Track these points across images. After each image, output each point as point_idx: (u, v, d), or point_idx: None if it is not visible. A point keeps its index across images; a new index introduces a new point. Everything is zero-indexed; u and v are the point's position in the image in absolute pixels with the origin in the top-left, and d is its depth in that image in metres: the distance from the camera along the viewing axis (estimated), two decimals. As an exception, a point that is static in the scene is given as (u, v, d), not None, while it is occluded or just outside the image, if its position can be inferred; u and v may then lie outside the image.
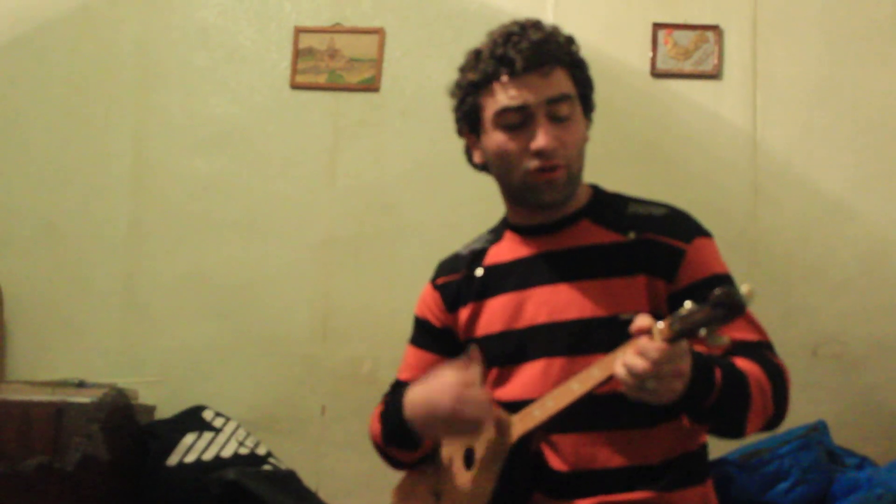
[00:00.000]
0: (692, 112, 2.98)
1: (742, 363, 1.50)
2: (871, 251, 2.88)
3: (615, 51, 2.94)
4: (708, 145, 2.97)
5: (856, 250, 2.89)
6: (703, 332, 1.28)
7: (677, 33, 2.99)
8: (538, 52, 1.60)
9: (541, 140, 1.59)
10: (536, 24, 1.65)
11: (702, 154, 2.97)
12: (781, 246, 2.91)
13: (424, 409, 1.58)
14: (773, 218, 2.92)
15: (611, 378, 1.41)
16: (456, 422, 1.52)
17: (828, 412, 2.63)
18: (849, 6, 2.97)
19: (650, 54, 2.99)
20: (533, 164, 1.61)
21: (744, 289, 1.27)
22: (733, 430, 1.51)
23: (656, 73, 2.99)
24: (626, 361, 1.35)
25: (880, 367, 2.80)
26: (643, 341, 1.34)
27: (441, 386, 1.55)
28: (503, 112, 1.62)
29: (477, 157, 1.73)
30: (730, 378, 1.44)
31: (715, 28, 2.98)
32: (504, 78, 1.61)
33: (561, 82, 1.62)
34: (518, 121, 1.61)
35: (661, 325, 1.33)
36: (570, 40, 1.67)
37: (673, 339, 1.32)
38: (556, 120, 1.61)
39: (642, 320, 1.36)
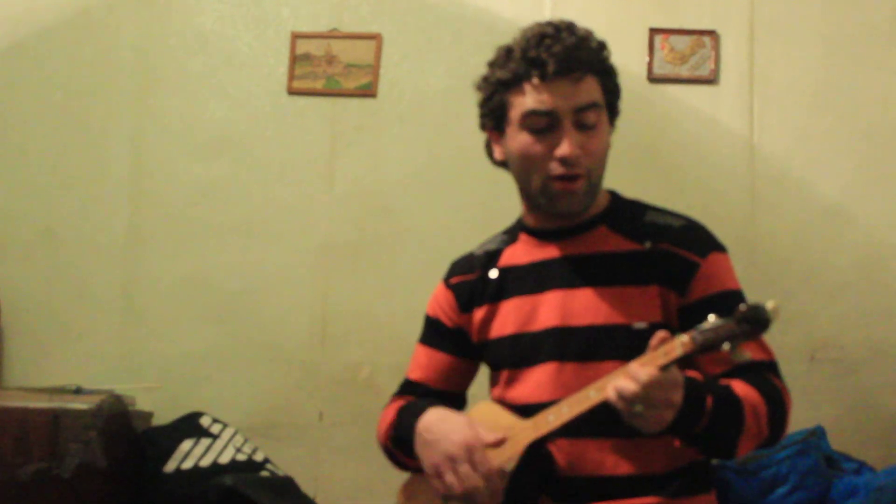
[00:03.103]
0: (689, 117, 2.98)
1: (739, 388, 1.51)
2: (869, 255, 2.89)
3: (612, 56, 2.94)
4: (705, 150, 2.98)
5: (853, 255, 2.89)
6: (726, 346, 1.29)
7: (674, 38, 2.99)
8: (570, 58, 1.60)
9: (566, 148, 1.59)
10: (570, 28, 1.64)
11: (699, 159, 2.98)
12: (779, 250, 2.91)
13: (431, 437, 1.60)
14: (770, 222, 2.93)
15: None
16: (448, 468, 1.55)
17: (825, 417, 2.63)
18: (846, 11, 2.97)
19: (647, 59, 3.00)
20: (556, 170, 1.61)
21: (769, 305, 1.27)
22: (724, 453, 1.54)
23: (653, 78, 3.00)
24: (616, 384, 1.36)
25: (878, 371, 2.80)
26: (634, 366, 1.35)
27: (459, 425, 1.58)
28: (530, 114, 1.62)
29: (498, 154, 1.73)
30: (722, 406, 1.46)
31: (711, 33, 2.99)
32: (535, 80, 1.61)
33: (591, 90, 1.63)
34: (544, 125, 1.61)
35: (684, 337, 1.33)
36: (601, 46, 1.68)
37: (667, 365, 1.34)
38: (582, 127, 1.61)
39: (662, 333, 1.37)
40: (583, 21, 2.99)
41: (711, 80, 2.97)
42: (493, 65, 1.69)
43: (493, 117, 1.69)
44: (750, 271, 2.84)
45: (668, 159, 2.98)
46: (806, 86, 2.96)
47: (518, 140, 1.64)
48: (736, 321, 1.28)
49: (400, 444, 1.72)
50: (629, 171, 2.87)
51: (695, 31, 2.99)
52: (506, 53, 1.66)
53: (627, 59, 2.99)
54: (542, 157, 1.62)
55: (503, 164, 1.73)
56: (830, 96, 2.95)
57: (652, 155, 2.98)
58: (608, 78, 1.68)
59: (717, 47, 2.98)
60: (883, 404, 2.79)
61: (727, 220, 2.88)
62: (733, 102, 2.97)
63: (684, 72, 2.98)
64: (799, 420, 2.41)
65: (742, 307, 1.28)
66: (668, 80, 2.99)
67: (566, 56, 1.59)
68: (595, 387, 1.45)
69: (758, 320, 1.27)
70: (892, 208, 2.90)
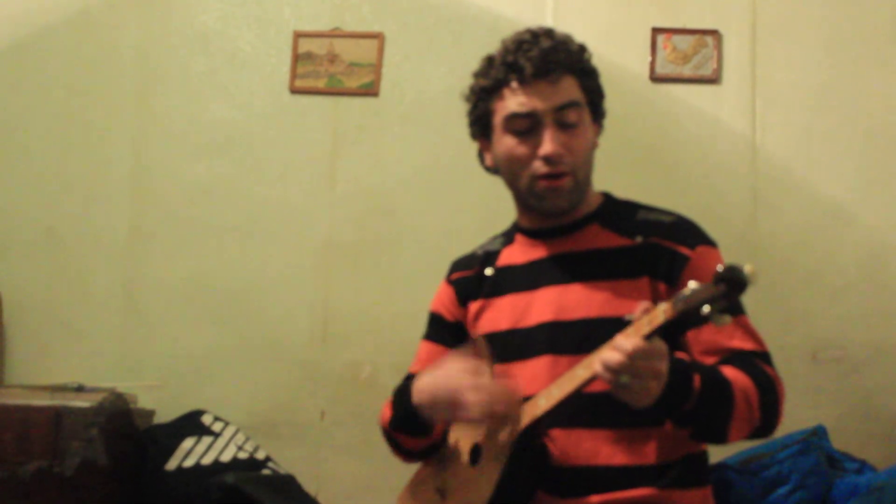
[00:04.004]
0: (691, 117, 2.98)
1: (729, 371, 1.53)
2: (871, 256, 2.89)
3: (614, 55, 2.95)
4: (707, 150, 2.98)
5: (855, 255, 2.89)
6: (706, 309, 1.30)
7: (676, 38, 2.99)
8: (547, 60, 1.65)
9: (547, 146, 1.64)
10: (548, 33, 1.70)
11: (701, 159, 2.98)
12: (781, 251, 2.91)
13: (432, 395, 1.62)
14: (772, 223, 2.93)
15: None
16: (463, 406, 1.55)
17: (827, 417, 2.63)
18: (848, 11, 2.97)
19: (649, 59, 3.00)
20: (540, 169, 1.66)
21: (747, 268, 1.29)
22: (715, 436, 1.55)
23: (655, 78, 3.00)
24: (601, 355, 1.38)
25: (880, 371, 2.80)
26: (619, 338, 1.38)
27: (449, 371, 1.60)
28: (512, 118, 1.67)
29: (488, 161, 1.79)
30: (710, 385, 1.48)
31: (714, 32, 2.99)
32: (514, 84, 1.67)
33: (569, 90, 1.67)
34: (526, 126, 1.66)
35: (665, 305, 1.36)
36: (581, 49, 1.72)
37: (650, 334, 1.35)
38: (563, 126, 1.66)
39: (645, 303, 1.39)
40: (585, 21, 3.04)
41: (714, 80, 2.97)
42: (476, 75, 1.75)
43: (480, 125, 1.76)
44: (751, 271, 2.84)
45: (670, 159, 2.98)
46: (808, 86, 2.96)
47: (503, 143, 1.70)
48: (714, 283, 1.30)
49: (404, 428, 1.73)
50: (631, 171, 2.89)
51: (697, 30, 2.99)
52: (487, 62, 1.73)
53: (630, 58, 3.00)
54: (526, 158, 1.67)
55: (494, 169, 1.78)
56: (833, 96, 2.95)
57: (654, 154, 2.98)
58: (588, 78, 1.72)
59: (719, 47, 2.98)
60: (885, 404, 2.79)
61: (729, 219, 2.89)
62: (735, 102, 2.97)
63: (687, 71, 2.98)
64: (800, 419, 2.43)
65: (719, 268, 1.30)
66: (670, 79, 2.99)
67: (543, 58, 1.65)
68: (582, 365, 1.47)
69: (734, 280, 1.28)
70: (894, 208, 2.90)
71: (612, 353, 1.37)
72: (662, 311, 1.35)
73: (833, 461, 2.47)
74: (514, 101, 1.67)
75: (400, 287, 2.96)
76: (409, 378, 1.85)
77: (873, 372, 2.81)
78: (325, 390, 2.95)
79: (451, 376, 1.59)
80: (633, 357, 1.35)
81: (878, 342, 2.82)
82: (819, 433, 2.48)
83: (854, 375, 2.81)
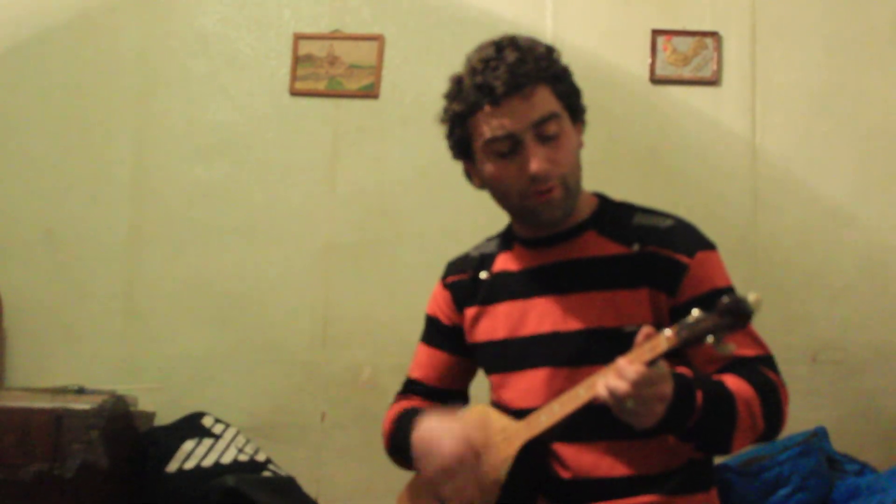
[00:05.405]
0: (691, 119, 2.98)
1: (732, 382, 1.52)
2: (871, 257, 2.89)
3: (614, 57, 2.94)
4: (707, 152, 2.98)
5: (855, 257, 2.89)
6: (710, 339, 1.30)
7: (676, 39, 2.99)
8: (516, 74, 1.59)
9: (534, 165, 1.60)
10: (513, 43, 1.63)
11: (701, 161, 2.98)
12: (781, 252, 2.91)
13: (425, 453, 1.61)
14: (772, 224, 2.93)
15: None
16: (444, 480, 1.56)
17: (828, 418, 2.63)
18: (848, 12, 2.98)
19: (649, 61, 3.00)
20: (529, 187, 1.62)
21: (751, 297, 1.28)
22: (719, 448, 1.55)
23: (655, 80, 3.00)
24: (606, 382, 1.37)
25: (880, 373, 2.81)
26: (622, 363, 1.36)
27: (450, 445, 1.57)
28: (491, 142, 1.62)
29: (476, 182, 1.75)
30: (713, 400, 1.47)
31: (714, 34, 2.99)
32: (487, 108, 1.61)
33: (544, 101, 1.62)
34: (507, 148, 1.62)
35: (668, 332, 1.34)
36: (548, 51, 1.66)
37: (653, 361, 1.34)
38: (545, 140, 1.61)
39: (647, 328, 1.38)
40: (585, 23, 3.04)
41: (713, 82, 2.97)
42: (448, 97, 1.69)
43: (460, 149, 1.71)
44: (752, 273, 2.84)
45: (670, 161, 2.98)
46: (808, 87, 2.96)
47: (487, 167, 1.66)
48: (718, 314, 1.29)
49: (399, 453, 1.74)
50: (631, 173, 2.89)
51: (697, 32, 2.99)
52: (456, 85, 1.67)
53: (630, 60, 2.99)
54: (513, 179, 1.63)
55: (483, 187, 1.74)
56: (832, 98, 2.95)
57: (654, 156, 2.98)
58: (560, 83, 1.66)
59: (719, 49, 2.98)
60: (885, 406, 2.79)
61: (729, 221, 2.89)
62: (735, 104, 2.97)
63: (686, 73, 2.98)
64: (801, 421, 2.43)
65: (724, 300, 1.29)
66: (670, 81, 2.99)
67: (511, 74, 1.59)
68: (584, 385, 1.47)
69: (739, 312, 1.28)
70: (894, 209, 2.90)
71: (616, 380, 1.35)
72: (666, 339, 1.33)
73: (834, 463, 2.48)
74: (489, 126, 1.60)
75: (400, 288, 2.96)
76: (410, 383, 1.86)
77: (874, 374, 2.81)
78: (325, 392, 2.95)
79: (448, 453, 1.56)
80: (637, 385, 1.34)
81: (878, 344, 2.82)
82: (820, 435, 2.48)
83: (854, 377, 2.81)
